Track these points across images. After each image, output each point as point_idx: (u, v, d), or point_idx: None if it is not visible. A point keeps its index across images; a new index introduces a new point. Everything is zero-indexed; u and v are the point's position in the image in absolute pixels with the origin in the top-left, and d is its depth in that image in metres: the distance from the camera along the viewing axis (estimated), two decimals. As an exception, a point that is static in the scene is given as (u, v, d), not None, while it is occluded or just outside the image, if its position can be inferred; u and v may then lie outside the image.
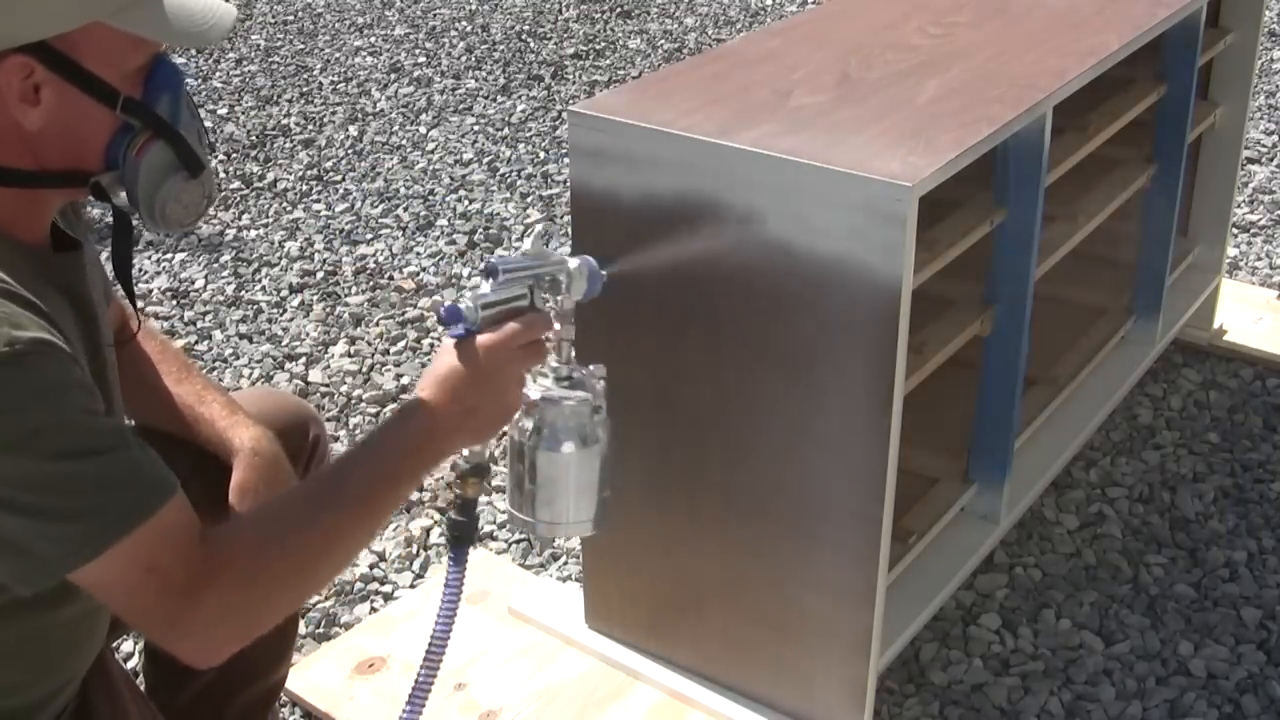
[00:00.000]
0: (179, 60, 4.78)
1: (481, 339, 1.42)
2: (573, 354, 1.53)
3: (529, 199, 4.03)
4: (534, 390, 1.50)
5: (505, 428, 1.51)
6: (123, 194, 1.35)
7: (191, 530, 1.27)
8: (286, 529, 1.34)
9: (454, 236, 3.79)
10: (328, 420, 2.94)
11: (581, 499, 1.52)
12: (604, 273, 1.56)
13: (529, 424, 1.49)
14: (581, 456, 1.50)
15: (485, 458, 1.51)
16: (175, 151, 1.34)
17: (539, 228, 1.53)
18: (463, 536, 1.53)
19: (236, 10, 1.39)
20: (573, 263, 1.51)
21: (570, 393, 1.49)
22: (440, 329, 1.44)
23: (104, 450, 1.22)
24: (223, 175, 4.22)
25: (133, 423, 1.62)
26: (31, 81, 1.24)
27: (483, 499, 2.68)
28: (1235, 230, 3.71)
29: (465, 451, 1.50)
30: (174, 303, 3.45)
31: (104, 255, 1.49)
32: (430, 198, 4.05)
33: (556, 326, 1.50)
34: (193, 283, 3.55)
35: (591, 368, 1.53)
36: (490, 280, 1.44)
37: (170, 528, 1.24)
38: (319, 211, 3.98)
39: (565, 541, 1.52)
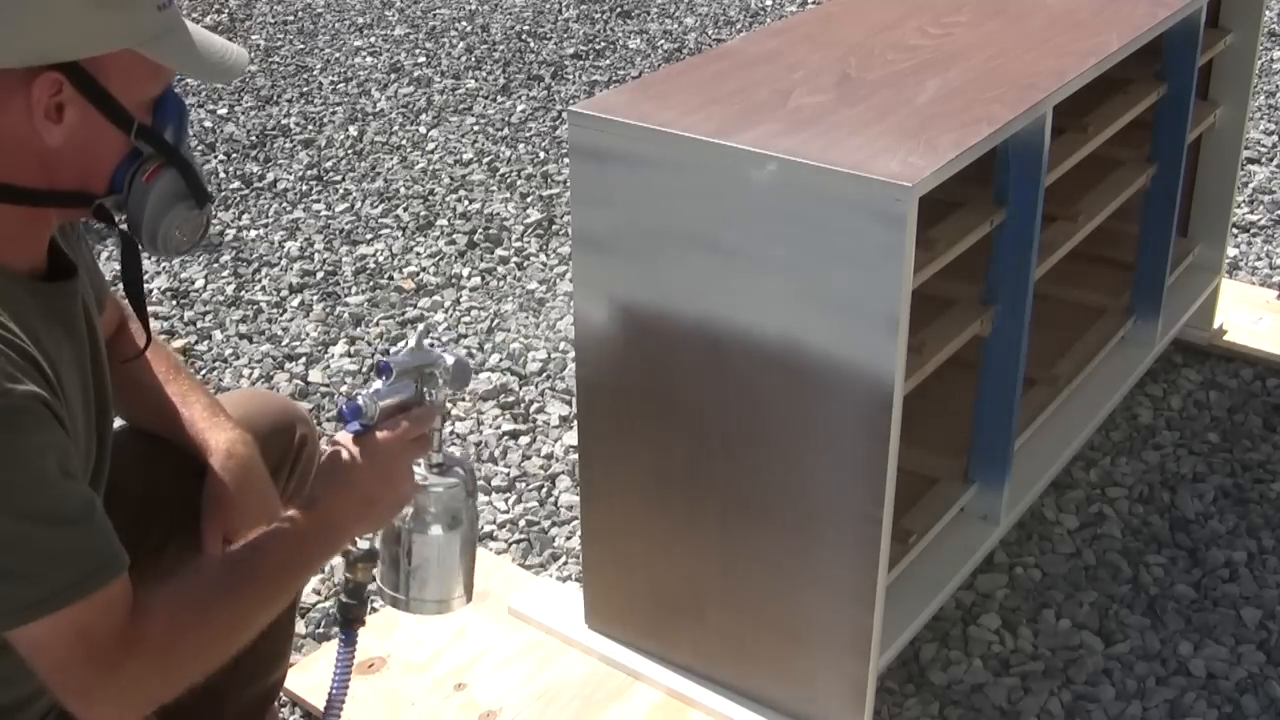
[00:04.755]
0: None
1: (380, 435, 1.47)
2: (443, 442, 1.59)
3: (529, 199, 4.03)
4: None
5: None
6: (122, 217, 1.38)
7: (127, 604, 1.30)
8: (201, 605, 1.37)
9: (454, 236, 3.79)
10: (328, 420, 2.94)
11: (454, 576, 1.59)
12: (472, 364, 1.60)
13: (405, 510, 1.55)
14: (452, 538, 1.57)
15: (374, 544, 1.58)
16: (185, 181, 1.38)
17: (421, 326, 1.56)
18: (354, 619, 1.59)
19: (248, 54, 1.43)
20: (448, 358, 1.56)
21: (442, 479, 1.56)
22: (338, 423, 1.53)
23: (66, 520, 1.25)
24: (222, 175, 4.22)
25: (122, 422, 1.64)
26: (57, 99, 1.27)
27: (482, 498, 2.69)
28: (1235, 230, 3.71)
29: (357, 539, 1.56)
30: (174, 303, 3.45)
31: (104, 256, 1.49)
32: (430, 198, 4.05)
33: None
34: (193, 283, 3.55)
35: (459, 454, 1.59)
36: (383, 378, 1.50)
37: (110, 603, 1.28)
38: (319, 211, 3.98)
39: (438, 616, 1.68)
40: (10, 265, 1.31)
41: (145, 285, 3.48)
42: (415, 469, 1.55)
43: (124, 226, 1.39)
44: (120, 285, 1.51)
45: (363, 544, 1.57)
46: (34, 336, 1.27)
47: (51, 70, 1.25)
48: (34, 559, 1.22)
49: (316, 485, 1.48)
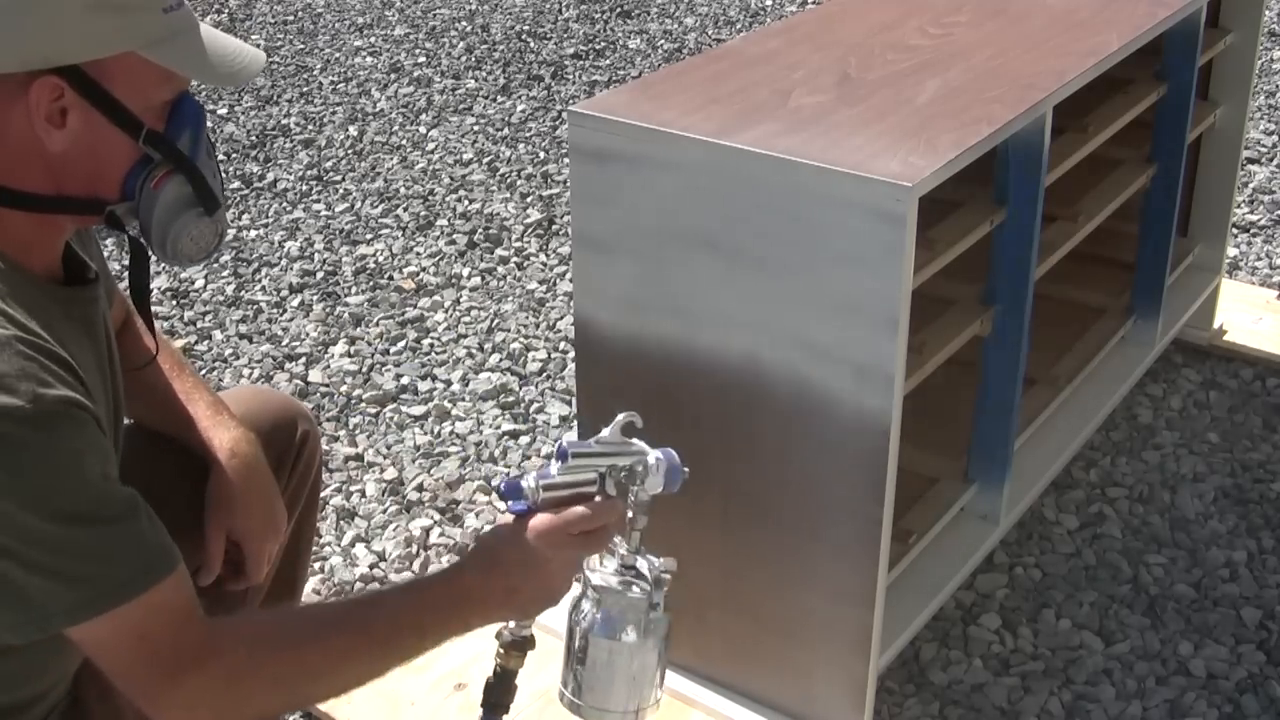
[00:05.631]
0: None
1: (536, 521, 1.40)
2: (641, 545, 1.48)
3: (529, 199, 4.03)
4: (596, 575, 1.46)
5: (553, 607, 1.48)
6: (135, 225, 1.36)
7: (188, 608, 1.29)
8: (292, 637, 1.35)
9: (454, 236, 3.79)
10: (327, 420, 2.94)
11: (629, 690, 1.47)
12: (685, 469, 1.48)
13: (587, 606, 1.46)
14: (632, 649, 1.46)
15: (530, 633, 1.49)
16: (193, 187, 1.36)
17: (621, 417, 1.44)
18: (497, 704, 1.50)
19: (265, 56, 1.41)
20: (652, 457, 1.44)
21: (624, 585, 1.46)
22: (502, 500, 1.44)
23: (112, 519, 1.24)
24: (222, 175, 4.22)
25: (129, 421, 1.64)
26: (60, 104, 1.26)
27: (481, 499, 2.69)
28: (1235, 230, 3.71)
29: (512, 623, 1.48)
30: (174, 303, 3.45)
31: (108, 255, 1.49)
32: (430, 198, 4.05)
33: (630, 515, 1.45)
34: (192, 283, 3.56)
35: (660, 562, 1.48)
36: (559, 462, 1.40)
37: (166, 602, 1.27)
38: (319, 211, 3.98)
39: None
40: (28, 270, 1.30)
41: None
42: (601, 565, 1.46)
43: (135, 233, 1.38)
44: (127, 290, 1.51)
45: (521, 629, 1.47)
46: (60, 341, 1.26)
47: (50, 74, 1.24)
48: (80, 560, 1.22)
49: (466, 556, 1.44)
